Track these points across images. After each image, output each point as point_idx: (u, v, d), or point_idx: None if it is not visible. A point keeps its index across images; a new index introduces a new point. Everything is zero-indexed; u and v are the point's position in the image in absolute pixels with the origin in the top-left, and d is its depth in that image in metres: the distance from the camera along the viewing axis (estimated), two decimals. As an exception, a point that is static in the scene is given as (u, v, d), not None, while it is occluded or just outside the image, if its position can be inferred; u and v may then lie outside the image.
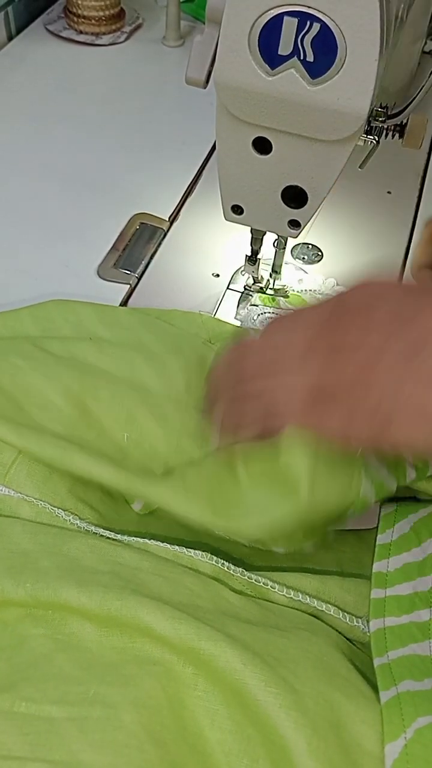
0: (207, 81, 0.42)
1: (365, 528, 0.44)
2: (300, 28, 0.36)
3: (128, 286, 0.58)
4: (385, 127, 0.46)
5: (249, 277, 0.57)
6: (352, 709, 0.32)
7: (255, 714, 0.32)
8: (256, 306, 0.56)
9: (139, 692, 0.32)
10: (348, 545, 0.43)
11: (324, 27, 0.36)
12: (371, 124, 0.44)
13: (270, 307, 0.56)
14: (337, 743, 0.31)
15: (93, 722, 0.31)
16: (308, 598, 0.38)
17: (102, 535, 0.40)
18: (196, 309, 0.56)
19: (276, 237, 0.52)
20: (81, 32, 0.86)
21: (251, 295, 0.57)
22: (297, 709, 0.31)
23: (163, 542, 0.39)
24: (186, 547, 0.39)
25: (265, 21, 0.37)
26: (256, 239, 0.53)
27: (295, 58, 0.37)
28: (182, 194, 0.67)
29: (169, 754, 0.31)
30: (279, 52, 0.37)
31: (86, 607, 0.34)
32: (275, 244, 0.54)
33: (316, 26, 0.36)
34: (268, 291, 0.57)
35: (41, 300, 0.54)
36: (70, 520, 0.40)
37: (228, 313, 0.57)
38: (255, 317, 0.56)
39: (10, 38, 0.86)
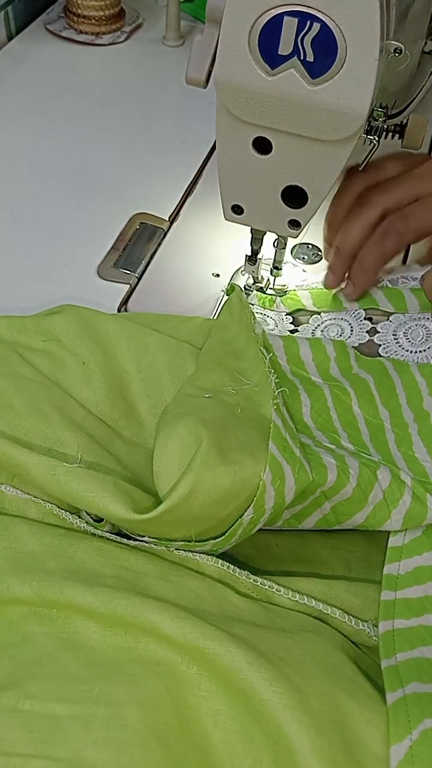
0: (207, 81, 0.42)
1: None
2: (300, 28, 0.36)
3: (128, 285, 0.58)
4: (385, 127, 0.46)
5: (249, 277, 0.57)
6: (357, 709, 0.32)
7: (259, 713, 0.32)
8: (252, 304, 0.56)
9: (143, 691, 0.32)
10: (356, 545, 0.43)
11: (324, 27, 0.36)
12: (371, 124, 0.45)
13: (269, 309, 0.56)
14: (342, 743, 0.31)
15: (97, 720, 0.31)
16: (314, 602, 0.38)
17: (108, 538, 0.40)
18: (196, 308, 0.56)
19: (276, 237, 0.53)
20: (81, 32, 0.86)
21: (250, 292, 0.57)
22: (301, 709, 0.31)
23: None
24: (191, 551, 0.39)
25: (266, 21, 0.37)
26: (256, 239, 0.53)
27: (295, 57, 0.37)
28: (182, 194, 0.67)
29: (173, 753, 0.31)
30: (279, 52, 0.37)
31: (92, 605, 0.34)
32: (275, 244, 0.54)
33: (317, 26, 0.36)
34: (269, 291, 0.57)
35: (40, 300, 0.54)
36: (76, 523, 0.40)
37: (228, 312, 0.57)
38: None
39: (10, 38, 0.86)
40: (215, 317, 0.56)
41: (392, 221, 0.50)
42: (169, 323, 0.51)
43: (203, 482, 0.36)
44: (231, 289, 0.53)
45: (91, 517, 0.41)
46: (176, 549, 0.39)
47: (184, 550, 0.39)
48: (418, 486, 0.41)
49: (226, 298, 0.55)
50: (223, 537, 0.38)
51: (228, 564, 0.39)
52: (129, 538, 0.40)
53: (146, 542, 0.40)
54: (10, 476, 0.41)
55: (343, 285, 0.55)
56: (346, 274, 0.54)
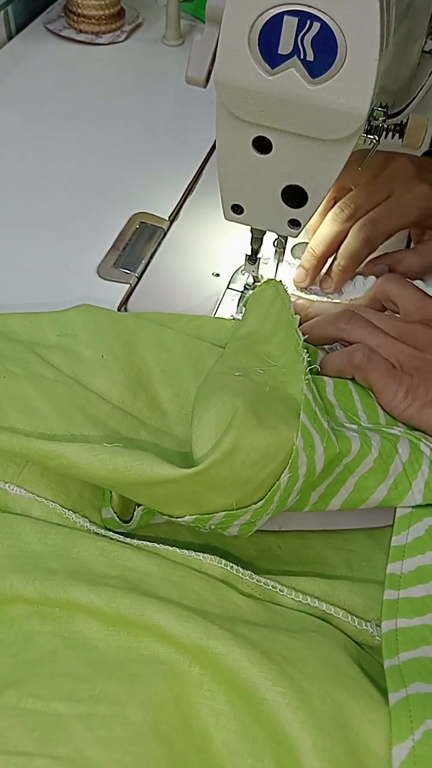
0: (207, 80, 0.42)
1: (376, 527, 0.44)
2: (300, 27, 0.36)
3: (128, 285, 0.58)
4: (385, 126, 0.46)
5: (249, 277, 0.57)
6: (359, 709, 0.32)
7: (261, 713, 0.32)
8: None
9: (145, 690, 0.32)
10: (358, 544, 0.44)
11: (324, 26, 0.36)
12: (371, 124, 0.44)
13: None
14: (344, 743, 0.31)
15: (99, 719, 0.31)
16: (317, 602, 0.38)
17: (112, 538, 0.40)
18: (196, 308, 0.57)
19: (276, 236, 0.53)
20: (81, 31, 0.86)
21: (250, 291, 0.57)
22: (304, 709, 0.31)
23: (172, 546, 0.39)
24: (194, 551, 0.39)
25: (266, 20, 0.37)
26: (256, 238, 0.53)
27: (296, 57, 0.37)
28: (182, 193, 0.67)
29: (174, 752, 0.31)
30: (279, 52, 0.37)
31: (95, 604, 0.34)
32: (275, 244, 0.54)
33: (317, 25, 0.36)
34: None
35: (41, 299, 0.54)
36: (80, 522, 0.41)
37: (228, 312, 0.57)
38: None
39: (10, 37, 0.86)
40: (215, 314, 0.56)
41: (363, 227, 0.56)
42: (178, 321, 0.51)
43: (244, 440, 0.37)
44: (266, 282, 0.53)
45: (118, 516, 0.41)
46: (215, 526, 0.39)
47: (188, 551, 0.39)
48: None
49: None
50: (262, 502, 0.39)
51: (231, 564, 0.39)
52: (133, 538, 0.40)
53: (148, 542, 0.40)
54: (15, 475, 0.41)
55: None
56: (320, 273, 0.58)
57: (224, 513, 0.38)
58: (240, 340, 0.48)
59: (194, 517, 0.39)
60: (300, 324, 0.47)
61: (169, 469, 0.36)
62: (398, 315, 0.49)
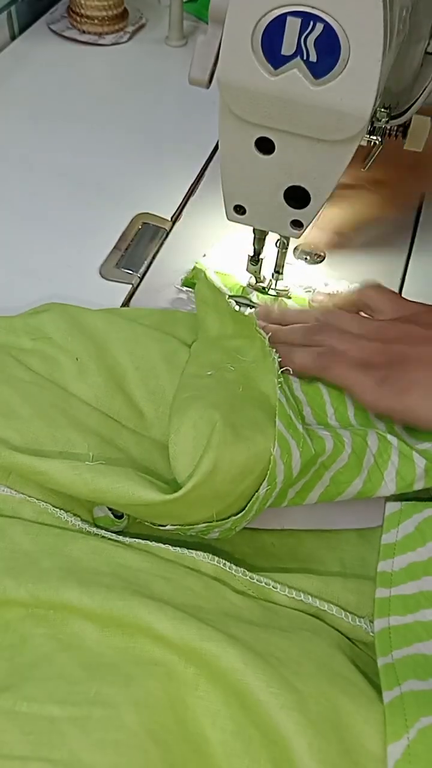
0: (210, 81, 0.42)
1: (368, 527, 0.44)
2: (303, 28, 0.36)
3: (130, 285, 0.58)
4: (388, 127, 0.46)
5: (251, 278, 0.57)
6: (354, 709, 0.32)
7: (256, 714, 0.32)
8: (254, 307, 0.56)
9: (140, 692, 0.32)
10: (351, 544, 0.43)
11: (327, 27, 0.36)
12: (374, 125, 0.44)
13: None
14: (339, 744, 0.31)
15: (94, 722, 0.31)
16: (310, 598, 0.38)
17: (104, 536, 0.40)
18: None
19: (278, 237, 0.52)
20: (84, 32, 0.86)
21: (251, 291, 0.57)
22: (298, 710, 0.31)
23: (165, 543, 0.39)
24: (188, 549, 0.39)
25: (269, 21, 0.37)
26: (259, 239, 0.53)
27: (299, 58, 0.37)
28: (184, 194, 0.67)
29: (171, 754, 0.31)
30: (282, 52, 0.37)
31: (88, 607, 0.34)
32: (277, 245, 0.54)
33: (320, 26, 0.36)
34: (270, 291, 0.57)
35: (43, 300, 0.54)
36: (71, 521, 0.41)
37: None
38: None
39: (13, 38, 0.86)
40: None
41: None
42: (152, 317, 0.51)
43: (223, 458, 0.37)
44: (193, 277, 0.52)
45: (112, 512, 0.41)
46: (195, 533, 0.40)
47: (181, 548, 0.39)
48: (404, 445, 0.42)
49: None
50: (242, 513, 0.39)
51: (224, 561, 0.39)
52: (125, 536, 0.40)
53: (141, 540, 0.40)
54: (5, 476, 0.41)
55: None
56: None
57: (204, 524, 0.39)
58: (206, 338, 0.48)
59: (176, 527, 0.39)
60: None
61: (150, 493, 0.37)
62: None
